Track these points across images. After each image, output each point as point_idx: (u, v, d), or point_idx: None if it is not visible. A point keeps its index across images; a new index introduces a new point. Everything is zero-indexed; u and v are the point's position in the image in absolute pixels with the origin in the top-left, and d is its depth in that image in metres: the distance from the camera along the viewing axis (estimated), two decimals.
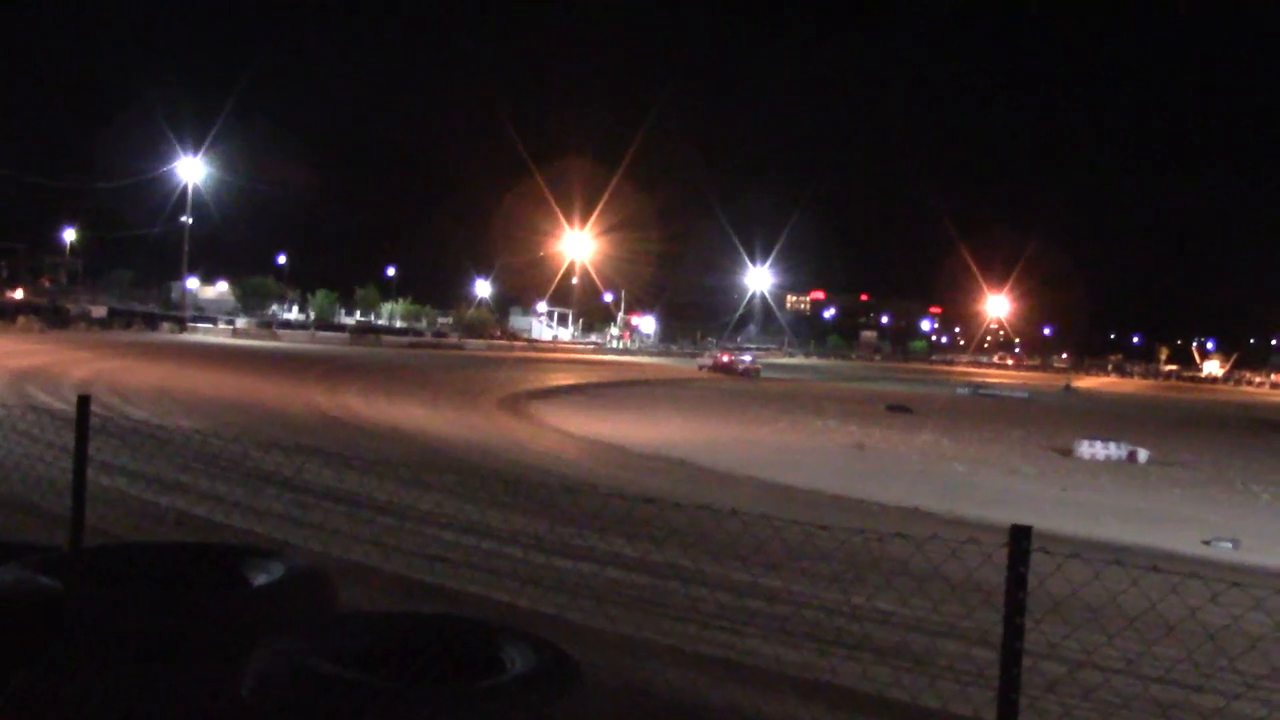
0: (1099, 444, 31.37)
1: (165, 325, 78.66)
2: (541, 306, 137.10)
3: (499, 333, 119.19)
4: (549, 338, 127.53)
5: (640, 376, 63.98)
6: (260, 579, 5.40)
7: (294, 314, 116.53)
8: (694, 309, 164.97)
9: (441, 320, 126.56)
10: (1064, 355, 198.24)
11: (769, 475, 21.75)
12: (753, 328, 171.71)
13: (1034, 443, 35.33)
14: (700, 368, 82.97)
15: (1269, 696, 7.71)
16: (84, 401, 6.23)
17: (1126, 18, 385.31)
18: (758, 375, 76.54)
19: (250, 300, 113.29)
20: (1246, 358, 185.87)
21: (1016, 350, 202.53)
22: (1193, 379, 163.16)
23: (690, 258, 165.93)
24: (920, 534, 6.53)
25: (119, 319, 75.91)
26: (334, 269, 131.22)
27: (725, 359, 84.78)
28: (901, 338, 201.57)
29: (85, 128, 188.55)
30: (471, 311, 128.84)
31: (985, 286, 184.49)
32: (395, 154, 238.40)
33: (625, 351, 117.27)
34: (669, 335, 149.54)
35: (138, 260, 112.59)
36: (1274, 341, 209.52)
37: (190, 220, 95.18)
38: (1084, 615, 7.70)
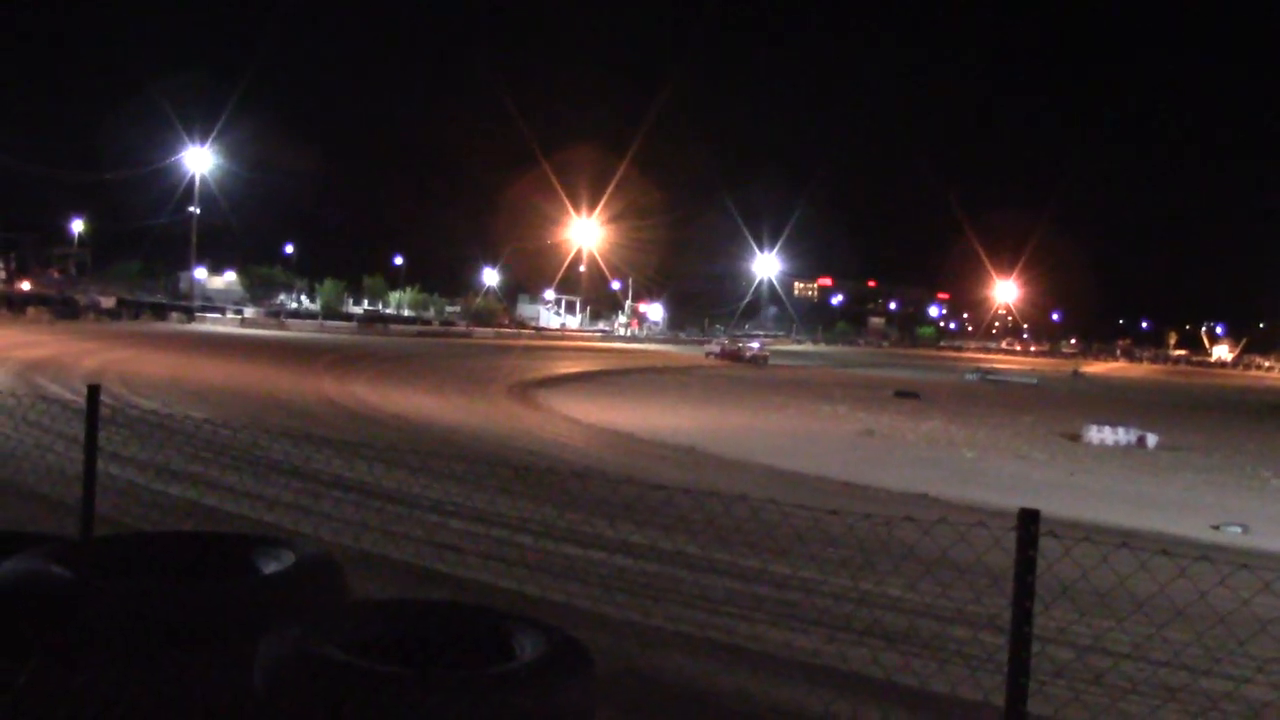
0: (1108, 429, 31.34)
1: (174, 315, 78.78)
2: (549, 294, 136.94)
3: (507, 321, 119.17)
4: (557, 326, 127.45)
5: (648, 364, 64.01)
6: (271, 567, 5.42)
7: (302, 303, 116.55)
8: (701, 296, 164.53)
9: (449, 309, 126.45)
10: (1072, 340, 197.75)
11: (777, 462, 21.75)
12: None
13: (1042, 428, 35.28)
14: (708, 355, 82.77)
15: (1278, 680, 7.71)
16: (94, 391, 6.25)
17: (1136, 1, 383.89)
18: (765, 362, 76.48)
19: (258, 290, 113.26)
20: (1256, 342, 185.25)
21: (1024, 336, 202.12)
22: (1202, 364, 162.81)
23: (697, 245, 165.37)
24: (929, 519, 6.53)
25: (128, 309, 75.93)
26: (341, 258, 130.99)
27: (734, 347, 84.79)
28: (909, 324, 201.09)
29: (92, 118, 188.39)
30: (479, 300, 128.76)
31: (993, 272, 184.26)
32: (402, 143, 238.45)
33: (633, 339, 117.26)
34: (677, 322, 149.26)
35: (146, 251, 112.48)
36: None
37: (198, 210, 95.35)
38: (1092, 599, 7.71)
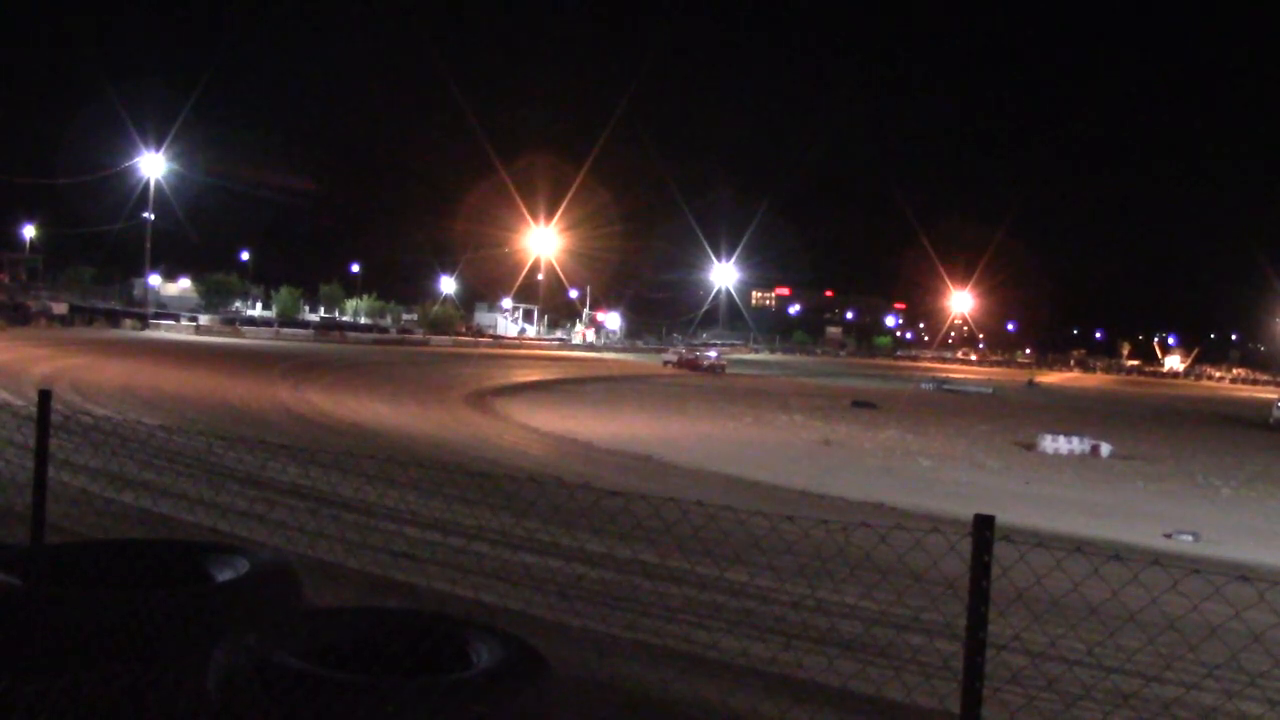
0: (1062, 439, 31.66)
1: (127, 322, 77.84)
2: (507, 303, 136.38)
3: (464, 329, 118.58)
4: (514, 334, 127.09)
5: (606, 372, 63.98)
6: (225, 575, 5.38)
7: (258, 311, 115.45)
8: (659, 305, 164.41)
9: (406, 317, 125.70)
10: (1027, 351, 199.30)
11: (735, 470, 21.80)
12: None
13: (998, 438, 35.57)
14: (665, 364, 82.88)
15: (1228, 686, 7.81)
16: (45, 396, 6.16)
17: (1089, 12, 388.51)
18: (723, 371, 76.62)
19: (213, 297, 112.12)
20: (1207, 353, 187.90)
21: (980, 346, 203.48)
22: (1154, 374, 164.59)
23: (655, 254, 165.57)
24: (885, 526, 6.57)
25: (80, 316, 75.04)
26: (298, 265, 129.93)
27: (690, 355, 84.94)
28: (866, 334, 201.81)
29: (46, 122, 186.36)
30: (436, 308, 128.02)
31: (949, 283, 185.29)
32: (359, 150, 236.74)
33: (591, 347, 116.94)
34: (634, 331, 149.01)
35: (99, 257, 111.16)
36: (1233, 337, 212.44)
37: (152, 216, 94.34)
38: (1046, 605, 7.78)
